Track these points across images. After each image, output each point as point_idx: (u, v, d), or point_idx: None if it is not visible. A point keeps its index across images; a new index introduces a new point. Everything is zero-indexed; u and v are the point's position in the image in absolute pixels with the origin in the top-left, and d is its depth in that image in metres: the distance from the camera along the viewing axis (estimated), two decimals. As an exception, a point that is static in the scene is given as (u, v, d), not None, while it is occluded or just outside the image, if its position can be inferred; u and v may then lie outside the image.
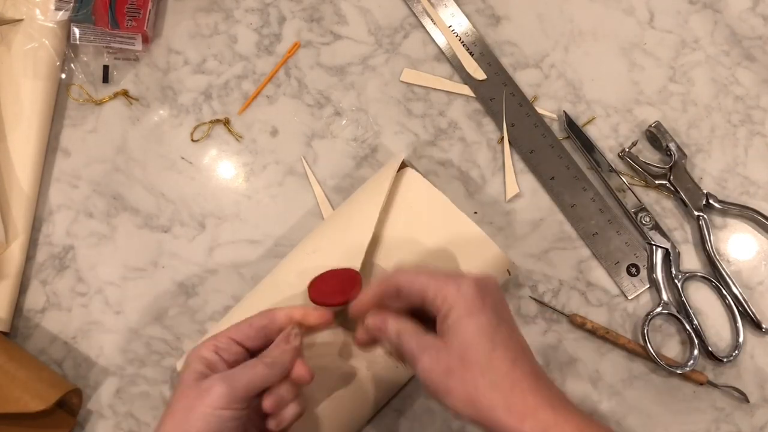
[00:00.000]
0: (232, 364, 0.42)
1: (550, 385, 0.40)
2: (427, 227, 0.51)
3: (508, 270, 0.51)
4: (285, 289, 0.50)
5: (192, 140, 0.58)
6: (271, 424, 0.42)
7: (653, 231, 0.56)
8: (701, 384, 0.53)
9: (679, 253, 0.56)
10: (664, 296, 0.54)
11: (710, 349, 0.53)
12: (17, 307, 0.55)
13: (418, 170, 0.54)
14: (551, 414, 0.37)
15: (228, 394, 0.39)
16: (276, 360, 0.42)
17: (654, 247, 0.55)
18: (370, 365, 0.49)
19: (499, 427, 0.38)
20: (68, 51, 0.59)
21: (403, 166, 0.54)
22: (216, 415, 0.39)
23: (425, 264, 0.50)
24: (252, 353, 0.44)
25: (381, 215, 0.50)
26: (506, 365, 0.39)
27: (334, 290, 0.47)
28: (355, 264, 0.48)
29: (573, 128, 0.58)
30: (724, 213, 0.57)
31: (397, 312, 0.43)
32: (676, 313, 0.54)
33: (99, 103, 0.59)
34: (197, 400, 0.39)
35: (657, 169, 0.57)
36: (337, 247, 0.50)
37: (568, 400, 0.40)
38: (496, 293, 0.42)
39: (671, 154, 0.56)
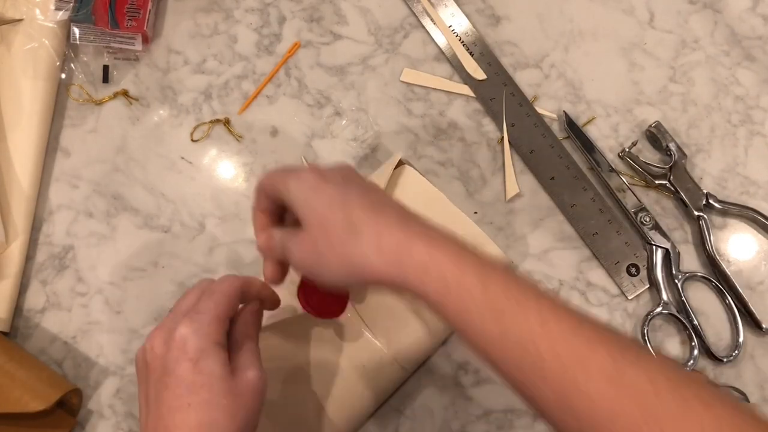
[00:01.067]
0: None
1: (422, 222, 0.38)
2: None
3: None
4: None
5: (192, 140, 0.58)
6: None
7: (653, 231, 0.56)
8: (701, 384, 0.53)
9: (679, 253, 0.56)
10: (664, 296, 0.54)
11: (710, 349, 0.53)
12: (17, 307, 0.55)
13: (416, 169, 0.54)
14: (425, 247, 0.36)
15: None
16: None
17: (654, 247, 0.55)
18: (369, 362, 0.49)
19: (376, 275, 0.37)
20: (68, 51, 0.59)
21: (401, 164, 0.54)
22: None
23: None
24: None
25: None
26: (366, 215, 0.38)
27: (326, 301, 0.48)
28: None
29: (573, 128, 0.58)
30: (724, 213, 0.57)
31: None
32: (676, 313, 0.54)
33: (99, 103, 0.59)
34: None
35: (657, 169, 0.57)
36: None
37: (444, 232, 0.38)
38: (341, 169, 0.42)
39: (671, 154, 0.56)
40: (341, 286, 0.40)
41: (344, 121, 0.59)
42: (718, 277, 0.55)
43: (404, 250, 0.36)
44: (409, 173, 0.53)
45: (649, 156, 0.58)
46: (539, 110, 0.59)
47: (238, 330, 0.43)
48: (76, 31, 0.57)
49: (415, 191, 0.52)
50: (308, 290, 0.48)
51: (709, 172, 0.58)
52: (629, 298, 0.55)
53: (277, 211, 0.45)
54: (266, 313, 0.46)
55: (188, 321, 0.40)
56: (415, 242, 0.36)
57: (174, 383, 0.39)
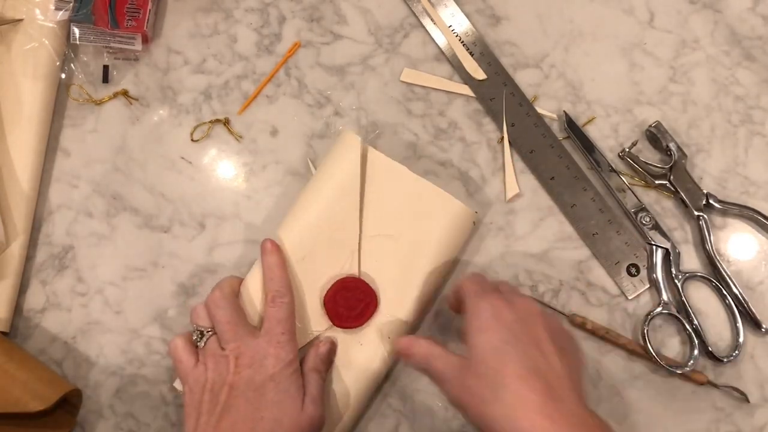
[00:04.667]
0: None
1: (567, 407, 0.39)
2: (392, 201, 0.52)
3: (474, 222, 0.54)
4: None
5: (192, 140, 0.58)
6: None
7: (653, 231, 0.56)
8: (701, 384, 0.53)
9: (679, 253, 0.56)
10: (664, 296, 0.54)
11: (710, 349, 0.53)
12: (17, 307, 0.55)
13: (369, 145, 0.54)
14: None
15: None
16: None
17: (654, 247, 0.55)
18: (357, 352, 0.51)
19: None
20: (68, 51, 0.59)
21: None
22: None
23: (399, 237, 0.52)
24: None
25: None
26: (515, 382, 0.39)
27: (354, 311, 0.51)
28: (353, 270, 0.52)
29: (573, 128, 0.58)
30: (724, 213, 0.57)
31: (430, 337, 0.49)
32: (676, 313, 0.54)
33: (99, 103, 0.59)
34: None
35: (657, 169, 0.57)
36: (326, 251, 0.52)
37: (589, 421, 0.39)
38: (522, 310, 0.43)
39: (671, 154, 0.56)
40: (474, 426, 0.41)
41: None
42: (718, 277, 0.55)
43: None
44: (371, 155, 0.53)
45: (649, 156, 0.58)
46: (539, 110, 0.59)
47: (309, 360, 0.49)
48: (76, 31, 0.57)
49: (378, 169, 0.52)
50: (339, 301, 0.51)
51: (709, 172, 0.58)
52: (629, 298, 0.55)
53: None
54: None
55: (267, 339, 0.47)
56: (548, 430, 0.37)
57: (254, 396, 0.45)
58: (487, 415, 0.39)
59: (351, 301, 0.51)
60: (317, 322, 0.51)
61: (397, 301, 0.51)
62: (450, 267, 0.54)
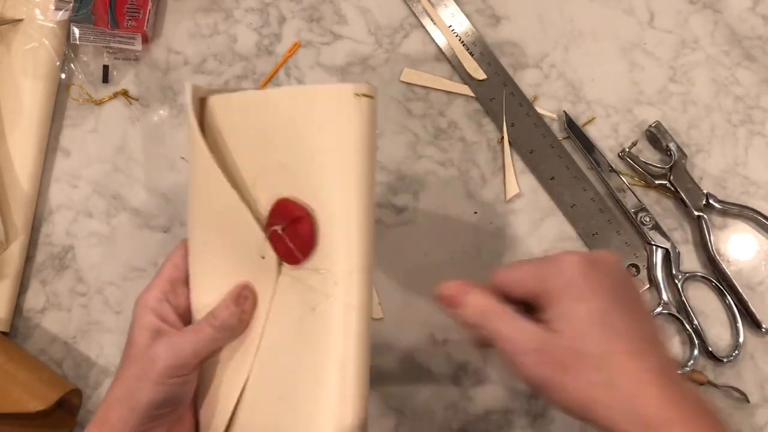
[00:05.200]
0: (183, 309, 0.42)
1: (680, 384, 0.33)
2: (257, 135, 0.41)
3: (359, 94, 0.39)
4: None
5: (192, 140, 0.58)
6: None
7: (653, 231, 0.56)
8: (701, 384, 0.53)
9: (679, 253, 0.56)
10: (664, 296, 0.54)
11: (710, 349, 0.53)
12: (17, 307, 0.55)
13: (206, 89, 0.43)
14: (684, 429, 0.31)
15: (174, 363, 0.38)
16: (225, 323, 0.40)
17: (654, 247, 0.55)
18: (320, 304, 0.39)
19: (609, 429, 0.33)
20: (68, 51, 0.59)
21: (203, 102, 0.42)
22: (164, 384, 0.38)
23: (289, 166, 0.40)
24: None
25: (218, 159, 0.40)
26: (624, 360, 0.33)
27: (295, 239, 0.39)
28: (248, 225, 0.40)
29: (573, 128, 0.58)
30: (724, 213, 0.57)
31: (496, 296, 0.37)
32: (676, 314, 0.54)
33: (99, 103, 0.59)
34: (144, 370, 0.38)
35: (657, 169, 0.57)
36: (218, 224, 0.41)
37: (702, 401, 0.33)
38: (611, 270, 0.36)
39: (671, 154, 0.56)
40: (564, 411, 0.35)
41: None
42: (718, 277, 0.55)
43: (658, 424, 0.32)
44: (212, 104, 0.41)
45: (649, 156, 0.58)
46: (539, 110, 0.59)
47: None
48: (76, 31, 0.57)
49: (228, 111, 0.41)
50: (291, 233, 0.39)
51: (709, 172, 0.58)
52: (629, 298, 0.55)
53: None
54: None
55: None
56: (673, 420, 0.32)
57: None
58: (595, 402, 0.33)
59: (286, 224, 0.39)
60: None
61: (337, 228, 0.39)
62: (371, 159, 0.40)
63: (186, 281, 0.43)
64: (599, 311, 0.34)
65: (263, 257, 0.40)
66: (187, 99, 0.40)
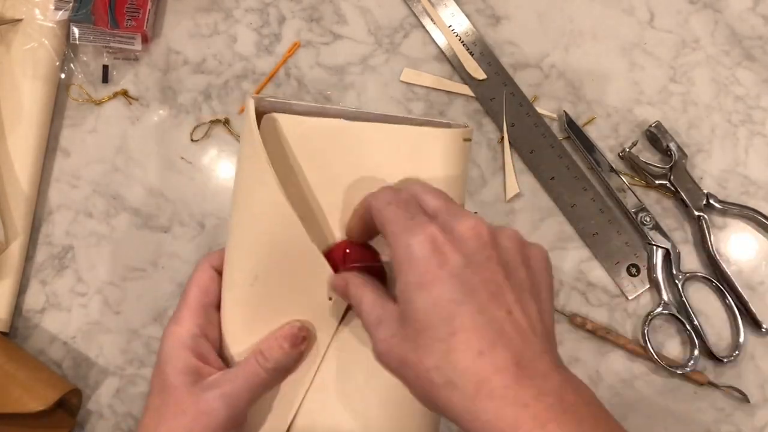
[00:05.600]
0: (217, 341, 0.39)
1: (541, 383, 0.29)
2: (341, 165, 0.39)
3: (467, 139, 0.40)
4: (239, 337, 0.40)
5: (192, 140, 0.58)
6: None
7: (653, 231, 0.56)
8: (702, 384, 0.53)
9: (679, 253, 0.56)
10: (665, 296, 0.54)
11: (711, 349, 0.53)
12: (17, 307, 0.55)
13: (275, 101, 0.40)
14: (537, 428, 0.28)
15: (233, 416, 0.36)
16: (278, 364, 0.37)
17: (654, 247, 0.55)
18: None
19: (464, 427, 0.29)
20: (68, 51, 0.59)
21: (260, 114, 0.39)
22: None
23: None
24: None
25: (290, 184, 0.38)
26: (473, 361, 0.29)
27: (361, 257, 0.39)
28: (317, 263, 0.38)
29: (573, 128, 0.57)
30: (724, 213, 0.57)
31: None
32: (676, 314, 0.54)
33: (98, 103, 0.59)
34: (197, 423, 0.35)
35: (657, 169, 0.57)
36: (276, 256, 0.38)
37: (567, 396, 0.29)
38: (467, 248, 0.31)
39: (671, 154, 0.56)
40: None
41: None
42: (719, 277, 0.55)
43: (501, 427, 0.28)
44: (278, 121, 0.39)
45: (650, 156, 0.58)
46: (539, 110, 0.59)
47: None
48: (76, 30, 0.57)
49: (297, 138, 0.39)
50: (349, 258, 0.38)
51: (709, 172, 0.58)
52: (629, 298, 0.55)
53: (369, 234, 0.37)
54: None
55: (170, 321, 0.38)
56: (525, 421, 0.28)
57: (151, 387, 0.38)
58: (440, 401, 0.30)
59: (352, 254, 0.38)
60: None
61: None
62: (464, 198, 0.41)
63: (217, 307, 0.39)
64: (445, 300, 0.30)
65: (331, 298, 0.38)
66: (250, 113, 0.37)
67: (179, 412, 0.35)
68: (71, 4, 0.56)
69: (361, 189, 0.38)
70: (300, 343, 0.38)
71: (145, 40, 0.58)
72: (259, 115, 0.39)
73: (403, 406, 0.38)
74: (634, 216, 0.56)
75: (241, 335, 0.39)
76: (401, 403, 0.37)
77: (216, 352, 0.38)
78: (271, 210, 0.37)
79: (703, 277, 0.55)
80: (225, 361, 0.39)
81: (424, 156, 0.39)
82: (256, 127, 0.37)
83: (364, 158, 0.39)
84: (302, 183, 0.39)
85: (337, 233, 0.39)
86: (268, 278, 0.38)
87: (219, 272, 0.40)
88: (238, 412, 0.36)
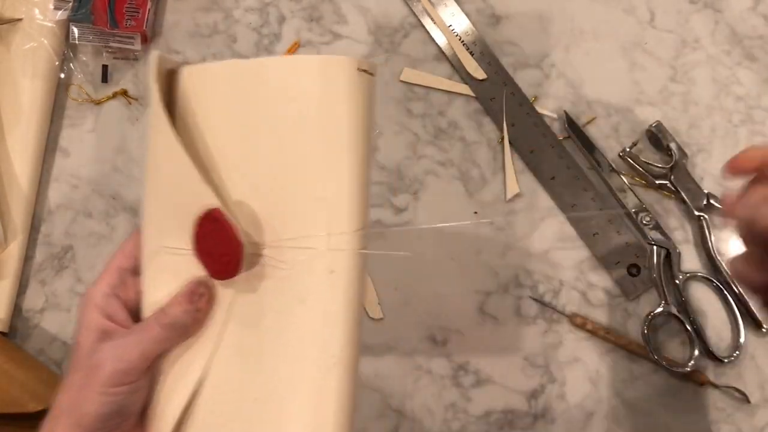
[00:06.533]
0: (134, 303, 0.37)
1: None
2: (241, 108, 0.37)
3: (362, 69, 0.36)
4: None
5: (191, 140, 0.58)
6: None
7: (654, 231, 0.56)
8: (702, 384, 0.53)
9: (679, 253, 0.55)
10: (665, 296, 0.54)
11: (711, 349, 0.53)
12: (16, 307, 0.55)
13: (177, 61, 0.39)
14: None
15: (120, 369, 0.34)
16: (176, 321, 0.36)
17: (655, 247, 0.55)
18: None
19: None
20: (67, 51, 0.59)
21: (172, 73, 0.38)
22: (110, 394, 0.34)
23: (274, 141, 0.36)
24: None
25: (187, 139, 0.37)
26: None
27: (221, 256, 0.36)
28: (206, 200, 0.35)
29: (573, 128, 0.57)
30: (724, 213, 0.57)
31: None
32: (676, 314, 0.54)
33: (98, 102, 0.59)
34: (88, 378, 0.34)
35: (658, 169, 0.56)
36: (178, 213, 0.36)
37: None
38: None
39: (672, 154, 0.56)
40: None
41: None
42: (719, 277, 0.55)
43: None
44: (190, 75, 0.38)
45: (650, 156, 0.58)
46: (539, 110, 0.58)
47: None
48: (75, 30, 0.57)
49: (206, 84, 0.38)
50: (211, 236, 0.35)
51: (710, 172, 0.58)
52: (630, 298, 0.55)
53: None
54: None
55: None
56: None
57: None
58: None
59: (212, 242, 0.36)
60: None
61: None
62: (368, 139, 0.37)
63: (137, 271, 0.38)
64: None
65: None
66: (151, 69, 0.36)
67: (76, 368, 0.35)
68: (71, 4, 0.56)
69: (254, 127, 0.36)
70: (197, 299, 0.36)
71: (145, 39, 0.58)
72: (171, 73, 0.38)
73: (310, 361, 0.35)
74: (634, 216, 0.56)
75: (152, 298, 0.38)
76: (308, 357, 0.35)
77: (130, 313, 0.37)
78: (169, 156, 0.36)
79: (704, 277, 0.55)
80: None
81: (314, 86, 0.36)
82: (156, 82, 0.36)
83: (257, 96, 0.37)
84: (208, 132, 0.37)
85: (237, 189, 0.37)
86: (169, 234, 0.37)
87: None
88: (127, 366, 0.35)
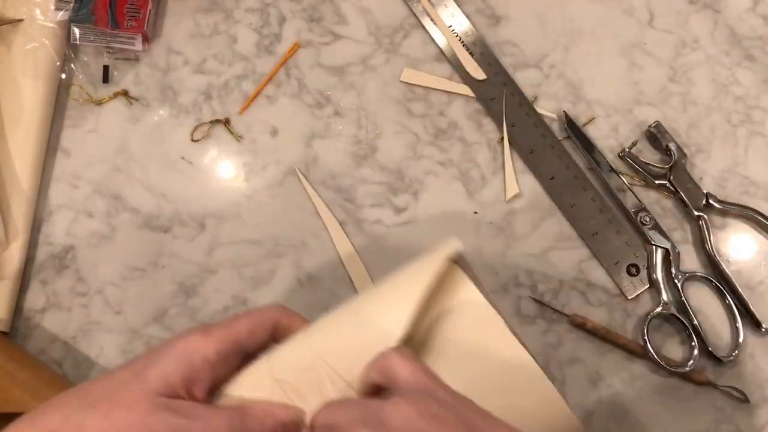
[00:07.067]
0: (219, 379, 0.35)
1: None
2: (477, 359, 0.38)
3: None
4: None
5: (192, 140, 0.59)
6: None
7: (653, 231, 0.56)
8: (701, 384, 0.53)
9: (679, 253, 0.56)
10: (664, 296, 0.54)
11: (710, 349, 0.53)
12: (17, 307, 0.55)
13: (472, 273, 0.40)
14: None
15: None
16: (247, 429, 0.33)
17: (654, 247, 0.55)
18: None
19: None
20: (68, 51, 0.59)
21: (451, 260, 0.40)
22: None
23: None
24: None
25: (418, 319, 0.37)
26: None
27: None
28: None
29: (573, 128, 0.58)
30: (724, 213, 0.57)
31: None
32: (676, 313, 0.54)
33: (99, 103, 0.59)
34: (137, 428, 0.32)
35: (657, 169, 0.57)
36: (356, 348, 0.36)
37: None
38: (463, 407, 0.31)
39: (671, 154, 0.56)
40: None
41: (344, 121, 0.59)
42: (718, 277, 0.55)
43: None
44: (464, 286, 0.39)
45: (649, 156, 0.58)
46: (539, 110, 0.59)
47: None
48: (76, 31, 0.57)
49: (467, 312, 0.38)
50: None
51: (709, 172, 0.58)
52: (629, 298, 0.55)
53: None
54: None
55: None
56: None
57: None
58: None
59: None
60: None
61: None
62: None
63: (245, 354, 0.36)
64: None
65: None
66: (447, 250, 0.37)
67: (127, 407, 0.32)
68: (72, 5, 0.57)
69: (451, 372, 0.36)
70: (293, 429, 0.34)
71: (146, 40, 0.58)
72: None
73: None
74: (633, 216, 0.56)
75: (246, 390, 0.36)
76: None
77: (210, 387, 0.35)
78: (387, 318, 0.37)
79: (703, 277, 0.55)
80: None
81: (533, 410, 0.37)
82: (438, 268, 0.37)
83: (483, 361, 0.38)
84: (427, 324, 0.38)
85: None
86: (341, 357, 0.36)
87: (280, 327, 0.37)
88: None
